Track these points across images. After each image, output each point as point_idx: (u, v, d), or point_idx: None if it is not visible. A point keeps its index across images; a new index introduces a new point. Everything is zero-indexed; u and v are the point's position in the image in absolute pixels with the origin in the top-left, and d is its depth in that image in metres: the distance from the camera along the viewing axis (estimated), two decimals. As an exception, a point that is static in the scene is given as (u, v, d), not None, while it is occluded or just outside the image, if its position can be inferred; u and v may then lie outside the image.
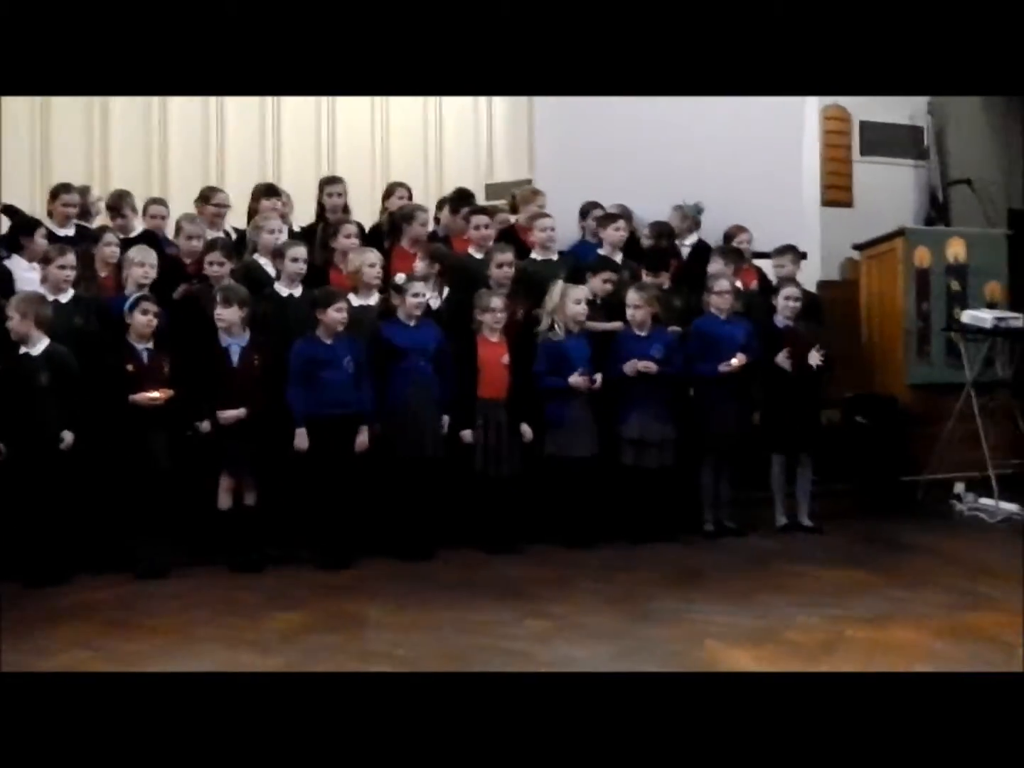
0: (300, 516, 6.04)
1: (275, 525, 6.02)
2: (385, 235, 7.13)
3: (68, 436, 5.63)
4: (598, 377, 6.38)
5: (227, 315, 5.89)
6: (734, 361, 6.56)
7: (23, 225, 6.58)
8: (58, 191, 7.03)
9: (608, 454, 6.46)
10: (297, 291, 6.34)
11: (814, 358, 6.72)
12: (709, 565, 5.99)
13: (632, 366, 6.43)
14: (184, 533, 5.97)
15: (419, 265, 6.56)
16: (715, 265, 7.08)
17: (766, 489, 6.93)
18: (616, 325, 6.69)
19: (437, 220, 7.61)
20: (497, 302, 6.34)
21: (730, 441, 6.66)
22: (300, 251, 6.37)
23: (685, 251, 7.70)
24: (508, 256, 6.64)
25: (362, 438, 5.98)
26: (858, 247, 8.81)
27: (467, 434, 6.22)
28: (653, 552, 6.22)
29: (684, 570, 5.83)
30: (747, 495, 6.96)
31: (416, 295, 6.20)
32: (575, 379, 6.32)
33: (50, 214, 6.98)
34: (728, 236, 7.59)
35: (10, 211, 7.38)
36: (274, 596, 5.31)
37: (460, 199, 7.51)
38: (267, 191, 7.45)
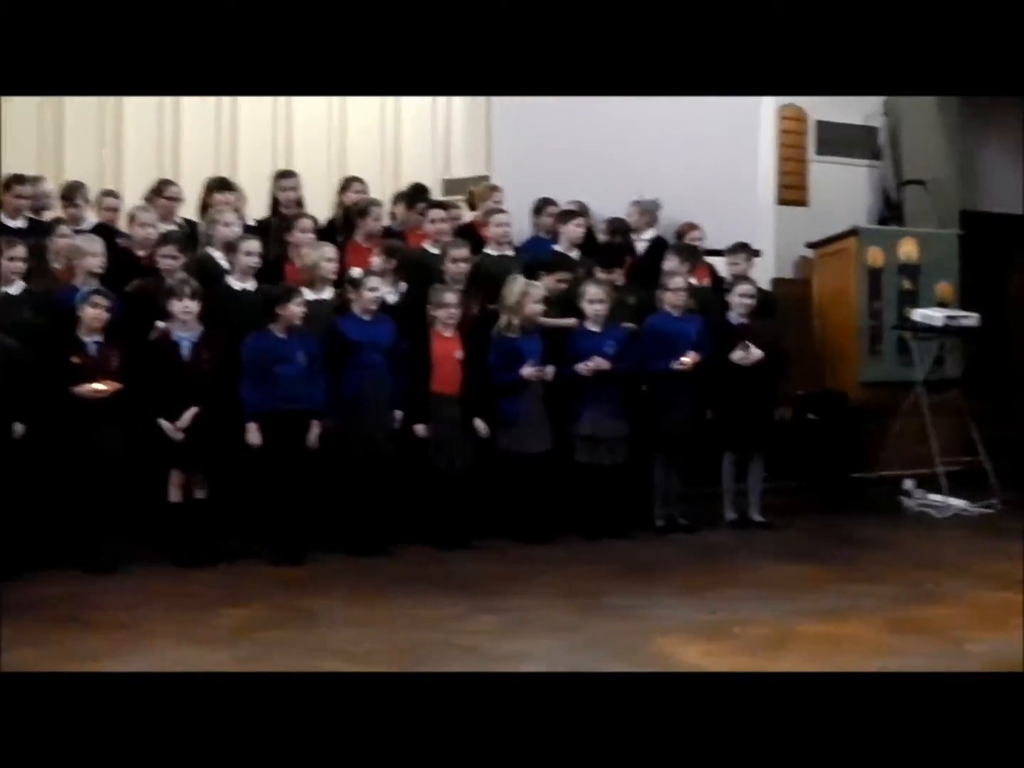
0: (252, 511, 6.01)
1: (227, 519, 5.99)
2: (339, 230, 7.11)
3: (19, 427, 5.57)
4: (549, 369, 6.41)
5: (179, 308, 5.85)
6: (686, 359, 6.58)
7: None
8: (10, 182, 6.90)
9: (561, 450, 6.47)
10: (250, 285, 6.31)
11: (747, 354, 6.74)
12: (661, 560, 6.03)
13: (586, 367, 6.44)
14: (135, 527, 5.91)
15: (375, 260, 6.54)
16: (670, 262, 7.09)
17: (716, 485, 6.97)
18: (571, 322, 6.70)
19: (392, 215, 7.59)
20: (451, 297, 6.33)
21: (683, 438, 6.69)
22: (254, 245, 6.35)
23: (641, 246, 7.72)
24: (464, 252, 6.64)
25: (314, 433, 5.96)
26: (812, 245, 8.88)
27: (420, 428, 6.21)
28: (606, 548, 6.25)
29: (636, 565, 5.87)
30: (697, 491, 7.00)
31: (372, 289, 6.19)
32: (527, 371, 6.34)
33: (0, 205, 6.87)
34: (680, 233, 7.64)
35: None
36: (226, 591, 5.28)
37: (415, 194, 7.51)
38: (220, 185, 7.38)
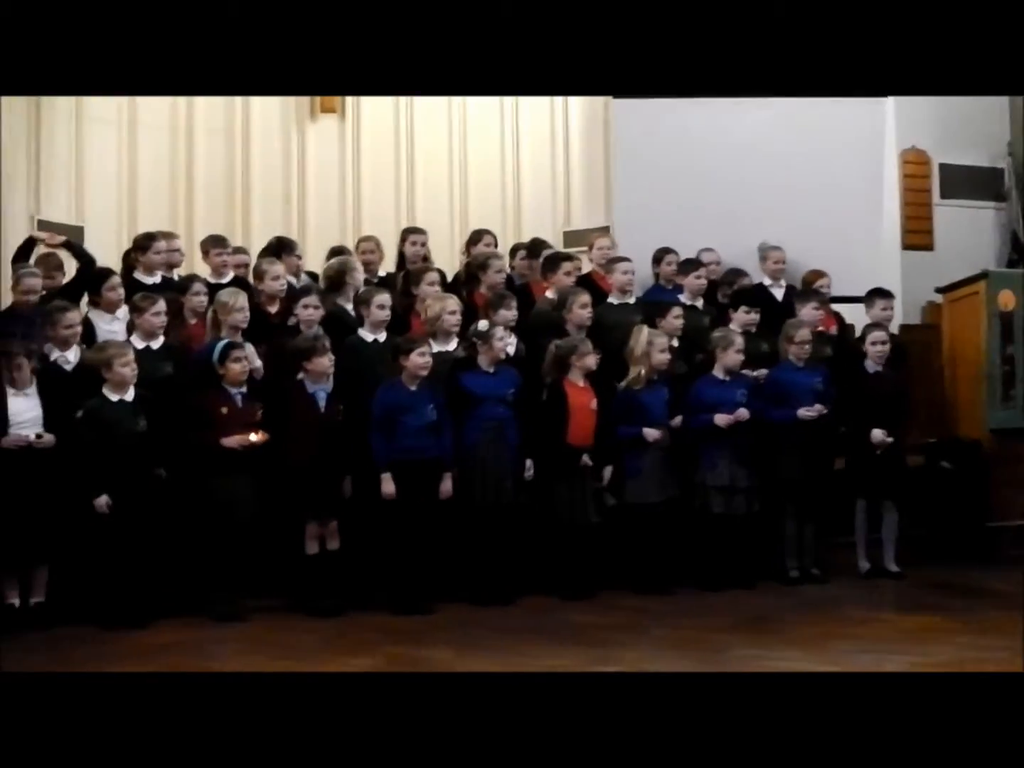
0: (376, 560, 6.08)
1: (353, 569, 6.07)
2: (462, 283, 7.22)
3: (162, 472, 5.80)
4: (676, 420, 6.42)
5: (323, 364, 5.99)
6: (811, 412, 6.49)
7: (98, 277, 6.68)
8: (147, 240, 7.12)
9: (687, 499, 6.44)
10: (381, 336, 6.44)
11: (877, 436, 6.64)
12: (783, 611, 5.95)
13: (727, 420, 6.40)
14: (263, 576, 6.04)
15: (503, 312, 6.56)
16: (800, 312, 7.05)
17: (850, 534, 6.84)
18: (762, 373, 6.71)
19: (512, 267, 7.68)
20: (589, 347, 6.36)
21: (803, 487, 6.60)
22: (386, 298, 6.48)
23: (778, 294, 7.68)
24: (587, 299, 6.68)
25: (446, 485, 6.02)
26: (940, 290, 8.72)
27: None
28: (727, 599, 6.18)
29: (757, 616, 5.79)
30: (830, 540, 6.88)
31: (501, 340, 6.26)
32: (651, 433, 6.33)
33: (136, 262, 7.09)
34: (807, 281, 7.57)
35: (71, 247, 7.52)
36: (344, 641, 5.35)
37: (536, 247, 7.58)
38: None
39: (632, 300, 7.16)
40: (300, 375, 6.07)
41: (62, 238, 7.30)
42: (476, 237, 7.74)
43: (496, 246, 7.65)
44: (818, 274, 7.58)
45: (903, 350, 7.45)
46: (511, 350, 6.54)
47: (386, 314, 6.44)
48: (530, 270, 7.53)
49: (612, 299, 7.12)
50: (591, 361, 6.34)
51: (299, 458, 5.89)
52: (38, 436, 5.64)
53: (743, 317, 6.94)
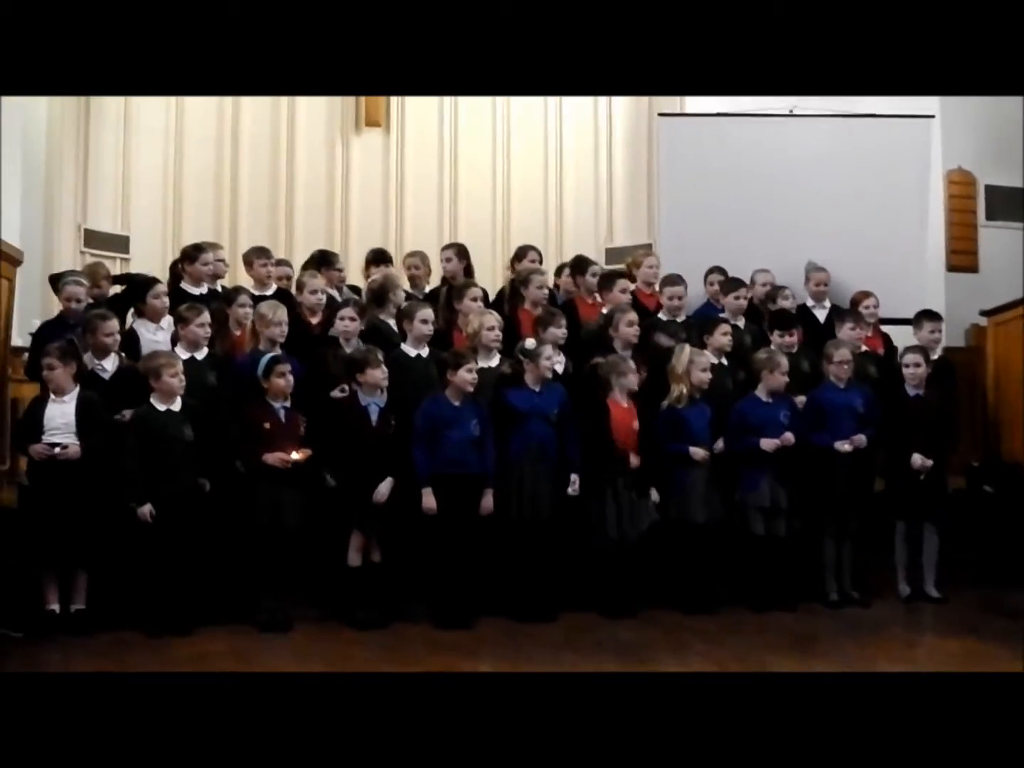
0: (419, 573, 6.09)
1: (395, 582, 6.08)
2: (506, 299, 7.20)
3: (206, 484, 5.84)
4: (718, 444, 6.40)
5: (376, 376, 6.01)
6: (847, 445, 6.43)
7: (143, 285, 6.73)
8: (195, 252, 7.16)
9: (730, 520, 6.42)
10: (424, 351, 6.45)
11: (916, 462, 6.57)
12: (825, 633, 5.92)
13: (772, 444, 6.37)
14: (307, 587, 6.06)
15: (552, 330, 6.52)
16: (839, 332, 7.02)
17: (891, 555, 6.78)
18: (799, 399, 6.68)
19: (556, 287, 7.68)
20: (632, 366, 6.35)
21: (843, 508, 6.54)
22: (428, 313, 6.48)
23: (821, 315, 7.67)
24: (634, 316, 6.67)
25: (487, 501, 6.02)
26: (985, 313, 8.65)
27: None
28: (768, 620, 6.13)
29: (800, 638, 5.76)
30: (870, 562, 6.82)
31: (548, 360, 6.24)
32: (698, 452, 6.31)
33: (183, 273, 7.14)
34: (855, 302, 7.53)
35: (123, 279, 7.62)
36: (386, 654, 5.37)
37: (582, 263, 7.57)
38: (376, 258, 7.68)
39: (681, 318, 7.13)
40: (353, 387, 6.09)
41: None
42: (521, 253, 7.74)
43: (541, 262, 7.63)
44: (865, 294, 7.53)
45: (951, 372, 7.38)
46: (559, 368, 6.52)
47: (429, 329, 6.45)
48: (575, 287, 7.49)
49: (661, 314, 7.14)
50: (632, 380, 6.33)
51: (346, 470, 5.92)
52: (62, 448, 5.69)
53: (778, 340, 6.92)
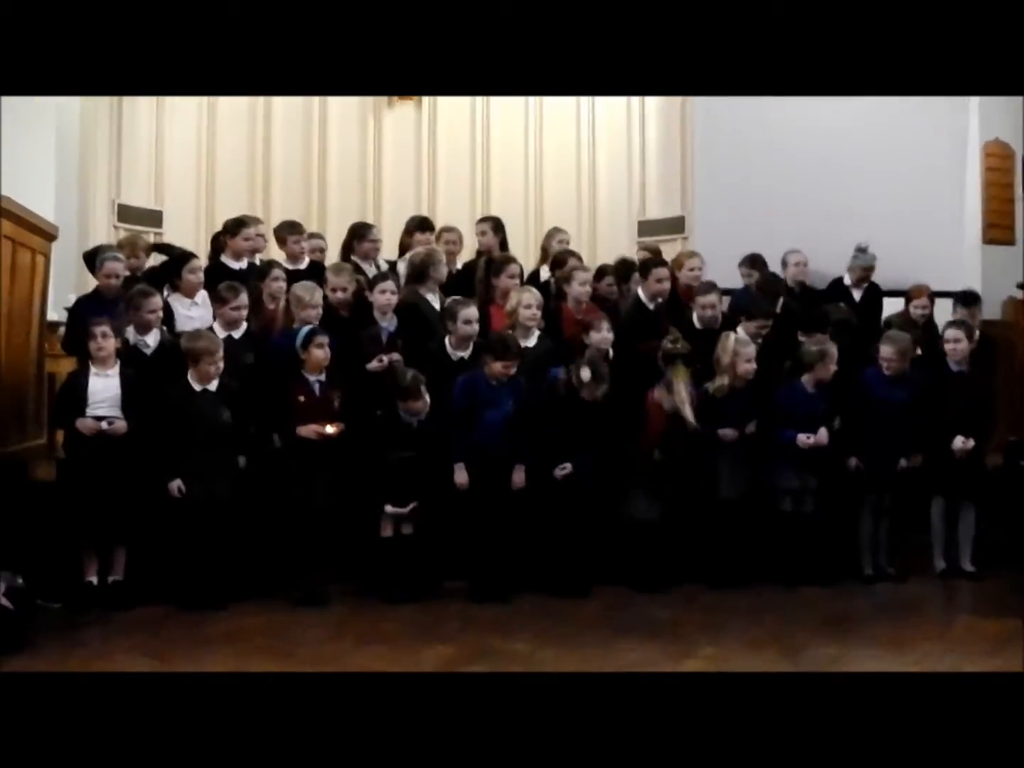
0: (454, 548, 6.11)
1: (430, 556, 6.09)
2: (552, 297, 6.97)
3: (242, 460, 5.87)
4: (750, 427, 6.36)
5: (416, 407, 5.93)
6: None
7: (180, 259, 6.74)
8: (237, 226, 7.12)
9: (758, 496, 6.40)
10: (467, 353, 6.33)
11: (957, 444, 6.51)
12: (862, 611, 5.90)
13: (808, 441, 6.31)
14: (342, 562, 6.08)
15: (594, 335, 6.39)
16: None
17: (927, 533, 6.75)
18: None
19: (595, 290, 7.33)
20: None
21: (881, 484, 6.52)
22: (472, 312, 6.33)
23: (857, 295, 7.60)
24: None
25: (518, 476, 6.03)
26: (1022, 286, 8.57)
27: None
28: (803, 596, 6.11)
29: (836, 615, 5.74)
30: (907, 539, 6.79)
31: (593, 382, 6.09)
32: (727, 434, 6.29)
33: (224, 246, 7.12)
34: (909, 296, 7.44)
35: (162, 247, 7.64)
36: (422, 629, 5.40)
37: (627, 267, 7.42)
38: (421, 225, 7.60)
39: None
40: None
41: None
42: (550, 235, 7.73)
43: (568, 244, 7.58)
44: (919, 291, 7.44)
45: (992, 350, 7.30)
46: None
47: (472, 329, 6.28)
48: (618, 295, 7.23)
49: (695, 322, 6.89)
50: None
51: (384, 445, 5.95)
52: (109, 423, 5.71)
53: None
